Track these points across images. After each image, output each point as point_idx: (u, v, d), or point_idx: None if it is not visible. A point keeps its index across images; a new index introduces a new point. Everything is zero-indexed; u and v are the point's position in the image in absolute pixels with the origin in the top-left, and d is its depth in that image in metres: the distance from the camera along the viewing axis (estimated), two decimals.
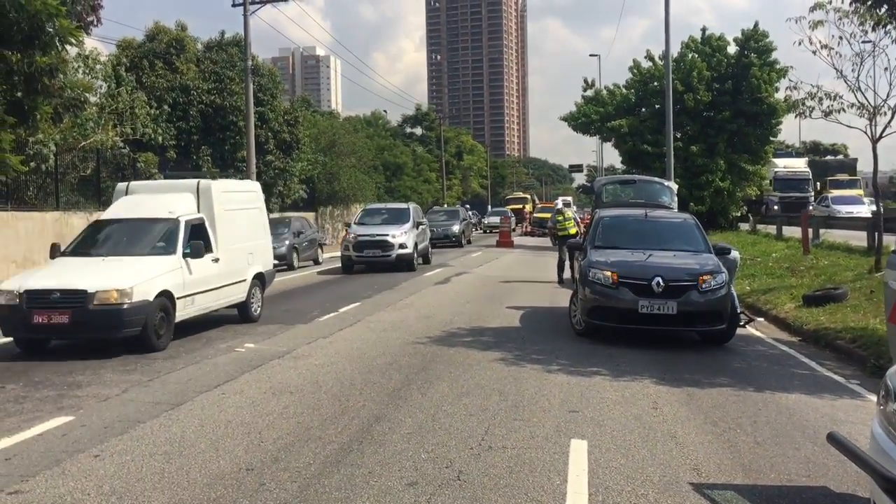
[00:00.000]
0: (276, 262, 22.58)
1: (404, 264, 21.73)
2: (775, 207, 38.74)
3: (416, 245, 22.50)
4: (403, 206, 25.40)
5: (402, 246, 21.81)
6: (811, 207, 38.09)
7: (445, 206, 57.94)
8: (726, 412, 7.02)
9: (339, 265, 23.10)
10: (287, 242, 24.21)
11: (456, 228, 35.39)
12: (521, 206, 67.01)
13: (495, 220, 52.99)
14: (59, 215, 23.29)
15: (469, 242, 37.57)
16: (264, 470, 5.37)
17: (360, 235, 22.22)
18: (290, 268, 23.92)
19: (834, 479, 5.32)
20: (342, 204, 47.92)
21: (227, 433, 6.26)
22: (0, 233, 20.86)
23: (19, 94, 16.70)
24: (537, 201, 79.93)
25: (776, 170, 42.16)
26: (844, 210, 32.26)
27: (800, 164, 45.04)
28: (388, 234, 21.95)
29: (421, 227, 23.93)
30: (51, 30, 16.17)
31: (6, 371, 8.95)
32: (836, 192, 38.99)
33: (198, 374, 8.54)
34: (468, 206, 66.08)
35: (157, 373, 8.65)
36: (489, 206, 73.81)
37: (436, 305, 14.43)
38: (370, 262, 21.94)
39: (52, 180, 23.63)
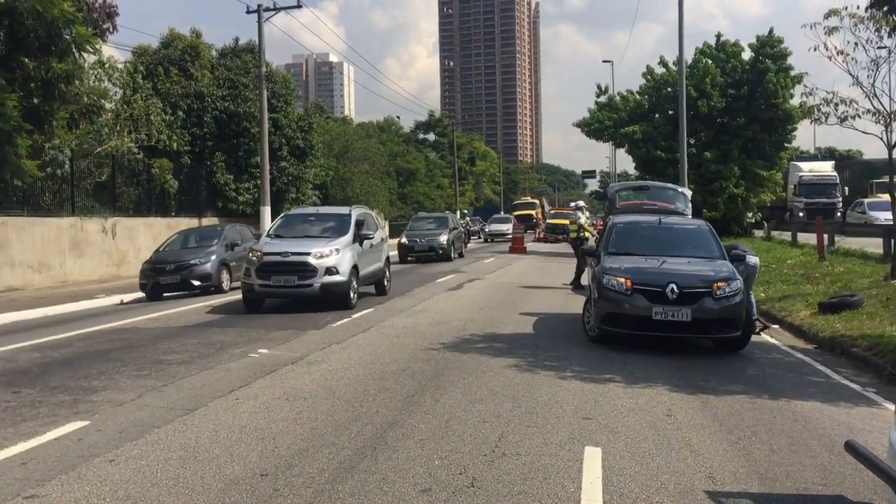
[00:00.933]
0: (198, 282, 18.54)
1: (334, 297, 14.76)
2: (800, 214, 36.02)
3: (355, 269, 15.30)
4: (343, 211, 17.34)
5: (330, 271, 14.62)
6: (839, 214, 35.60)
7: (463, 211, 54.80)
8: (741, 420, 6.98)
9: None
10: (214, 258, 19.04)
11: (443, 239, 29.86)
12: (529, 212, 63.38)
13: (500, 227, 50.66)
14: (74, 221, 23.49)
15: (461, 256, 32.12)
16: (278, 475, 5.38)
17: (267, 254, 14.86)
18: (218, 290, 18.82)
19: (851, 488, 5.28)
20: None
21: (242, 438, 6.27)
22: (16, 238, 21.05)
23: (36, 100, 16.90)
24: (547, 206, 76.69)
25: (801, 174, 39.64)
26: (883, 217, 28.71)
27: (826, 168, 42.00)
28: (308, 254, 14.69)
29: (369, 242, 16.54)
30: (67, 37, 16.39)
31: (22, 376, 9.02)
32: (882, 197, 33.65)
33: (212, 380, 8.57)
34: (466, 211, 62.09)
35: (172, 378, 8.68)
36: (502, 212, 70.29)
37: (449, 311, 14.43)
38: (281, 293, 15.03)
39: (67, 186, 23.84)
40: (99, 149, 24.38)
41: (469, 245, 42.84)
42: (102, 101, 23.56)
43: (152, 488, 5.15)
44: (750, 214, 36.18)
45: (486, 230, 52.16)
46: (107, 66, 24.81)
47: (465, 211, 51.00)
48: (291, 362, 9.53)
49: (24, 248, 21.24)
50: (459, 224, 37.40)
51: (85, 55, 19.13)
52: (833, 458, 5.87)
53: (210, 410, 7.20)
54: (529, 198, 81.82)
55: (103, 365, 9.53)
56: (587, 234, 19.90)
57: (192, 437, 6.31)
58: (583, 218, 20.26)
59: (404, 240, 30.14)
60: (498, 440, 6.20)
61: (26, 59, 16.40)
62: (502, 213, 69.65)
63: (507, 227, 49.75)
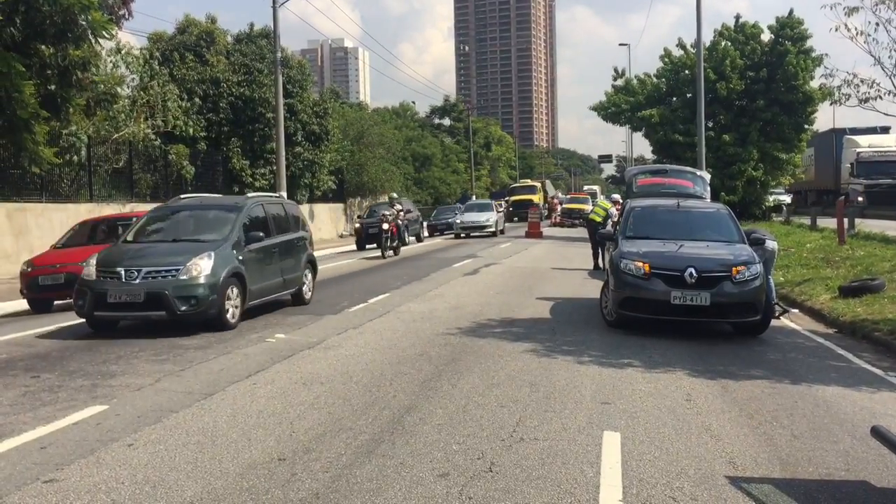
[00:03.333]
0: None
1: None
2: (859, 199, 28.67)
3: None
4: None
5: None
6: None
7: (392, 195, 29.18)
8: (762, 404, 6.90)
9: None
10: None
11: (196, 277, 10.69)
12: (529, 197, 54.95)
13: (476, 218, 36.65)
14: (92, 207, 23.62)
15: (301, 299, 13.87)
16: (296, 460, 5.37)
17: None
18: None
19: (874, 474, 5.21)
20: (371, 195, 48.13)
21: (259, 423, 6.27)
22: (35, 224, 21.19)
23: (52, 87, 16.91)
24: (552, 191, 69.29)
25: (859, 150, 33.87)
26: None
27: (890, 142, 34.81)
28: None
29: None
30: (83, 23, 16.36)
31: (41, 361, 9.07)
32: None
33: (229, 364, 8.59)
34: (395, 195, 31.95)
35: (190, 363, 8.70)
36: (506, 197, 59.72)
37: (465, 296, 14.39)
38: None
39: (85, 173, 23.95)
40: (116, 135, 24.46)
41: (406, 249, 27.74)
42: (118, 88, 23.58)
43: (171, 472, 5.16)
44: (774, 199, 35.14)
45: (458, 222, 37.11)
46: (123, 52, 24.85)
47: (395, 195, 29.09)
48: (308, 347, 9.54)
49: (43, 235, 21.35)
50: (298, 221, 14.80)
51: (101, 42, 19.11)
52: (856, 444, 5.79)
53: (228, 395, 7.21)
54: (530, 181, 69.99)
55: (121, 349, 9.57)
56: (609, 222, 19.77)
57: (209, 422, 6.32)
58: (613, 210, 20.04)
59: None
60: (516, 425, 6.17)
61: (42, 46, 16.40)
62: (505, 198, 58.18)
63: (488, 218, 36.54)
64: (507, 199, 59.28)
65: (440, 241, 35.18)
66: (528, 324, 11.27)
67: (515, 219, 53.72)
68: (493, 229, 36.30)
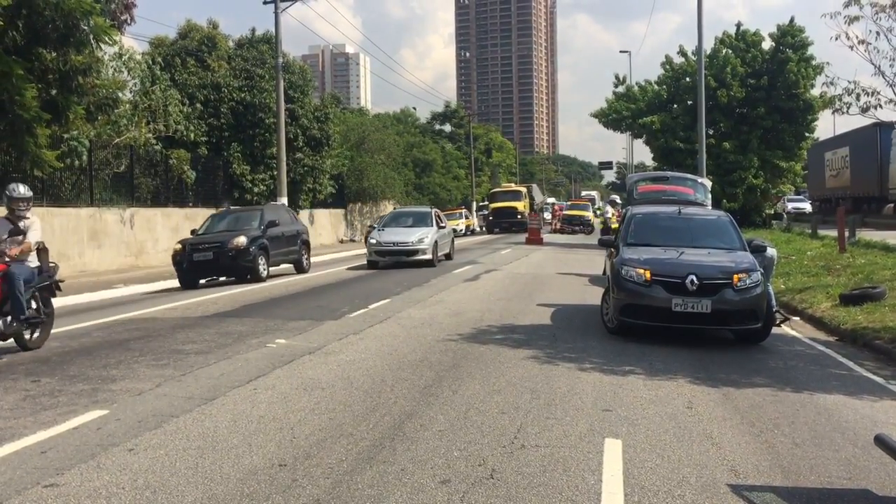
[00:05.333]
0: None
1: None
2: None
3: None
4: None
5: None
6: None
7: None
8: (763, 412, 6.89)
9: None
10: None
11: None
12: (512, 205, 49.00)
13: (403, 237, 22.71)
14: (93, 211, 23.63)
15: None
16: (297, 466, 5.36)
17: None
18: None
19: (876, 482, 5.19)
20: (371, 201, 48.13)
21: (260, 428, 6.26)
22: None
23: (54, 91, 16.94)
24: (538, 197, 61.76)
25: None
26: None
27: None
28: None
29: None
30: (85, 28, 16.38)
31: (42, 365, 9.06)
32: None
33: (230, 370, 8.57)
34: (23, 192, 13.59)
35: (190, 368, 8.69)
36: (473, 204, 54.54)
37: (466, 302, 14.38)
38: None
39: (86, 177, 23.96)
40: (117, 140, 24.50)
41: (261, 287, 18.12)
42: (120, 93, 23.62)
43: (171, 477, 5.14)
44: (794, 206, 35.19)
45: (374, 242, 22.98)
46: (125, 57, 24.90)
47: (20, 189, 10.21)
48: (309, 352, 9.52)
49: (44, 238, 21.35)
50: None
51: (103, 47, 19.15)
52: (858, 452, 5.78)
53: (228, 400, 7.19)
54: (513, 185, 60.64)
55: (122, 354, 9.56)
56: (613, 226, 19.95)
57: (210, 427, 6.31)
58: (610, 211, 20.20)
59: None
60: (517, 432, 6.16)
61: (44, 51, 16.42)
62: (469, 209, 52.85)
63: (421, 238, 22.77)
64: (485, 203, 55.82)
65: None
66: (528, 330, 11.26)
67: (496, 230, 48.84)
68: (427, 256, 22.50)
